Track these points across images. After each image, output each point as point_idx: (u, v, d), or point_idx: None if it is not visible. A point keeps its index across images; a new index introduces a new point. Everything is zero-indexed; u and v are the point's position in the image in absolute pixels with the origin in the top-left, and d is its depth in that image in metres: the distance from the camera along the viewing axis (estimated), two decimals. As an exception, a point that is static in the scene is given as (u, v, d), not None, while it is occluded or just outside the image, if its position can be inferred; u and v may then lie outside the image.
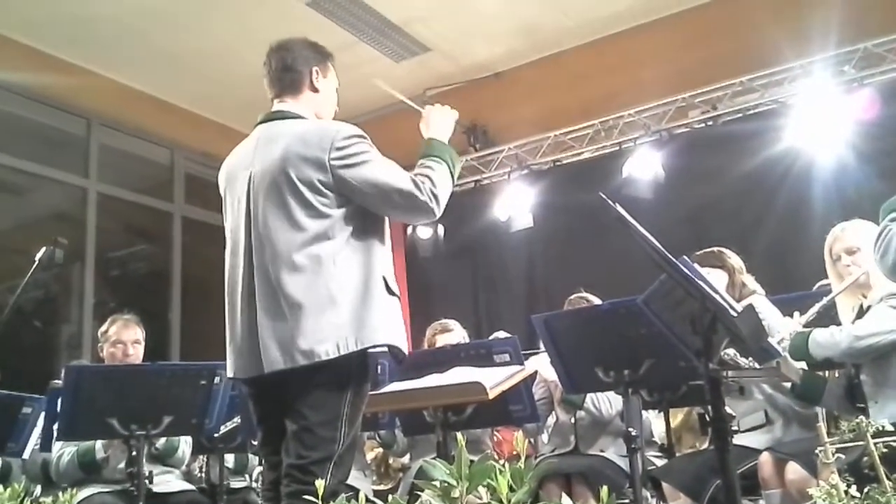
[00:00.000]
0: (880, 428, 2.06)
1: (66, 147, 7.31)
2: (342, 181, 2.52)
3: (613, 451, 3.97)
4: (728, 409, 2.39)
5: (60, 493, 2.40)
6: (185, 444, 3.99)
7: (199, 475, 4.37)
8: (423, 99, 7.70)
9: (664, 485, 3.42)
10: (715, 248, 3.74)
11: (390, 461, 4.99)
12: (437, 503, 1.51)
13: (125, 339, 4.02)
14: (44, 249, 3.68)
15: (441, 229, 7.85)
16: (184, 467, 4.11)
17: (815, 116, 6.13)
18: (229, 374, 2.65)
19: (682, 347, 2.40)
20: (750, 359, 2.78)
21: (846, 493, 1.93)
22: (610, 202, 2.21)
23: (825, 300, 3.22)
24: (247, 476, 4.60)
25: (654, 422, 4.20)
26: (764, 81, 6.52)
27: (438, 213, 2.61)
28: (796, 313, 3.26)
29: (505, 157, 7.70)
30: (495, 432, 4.64)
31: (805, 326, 3.18)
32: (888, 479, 1.96)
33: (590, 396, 4.03)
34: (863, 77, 6.07)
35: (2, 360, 4.37)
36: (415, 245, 7.95)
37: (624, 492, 3.67)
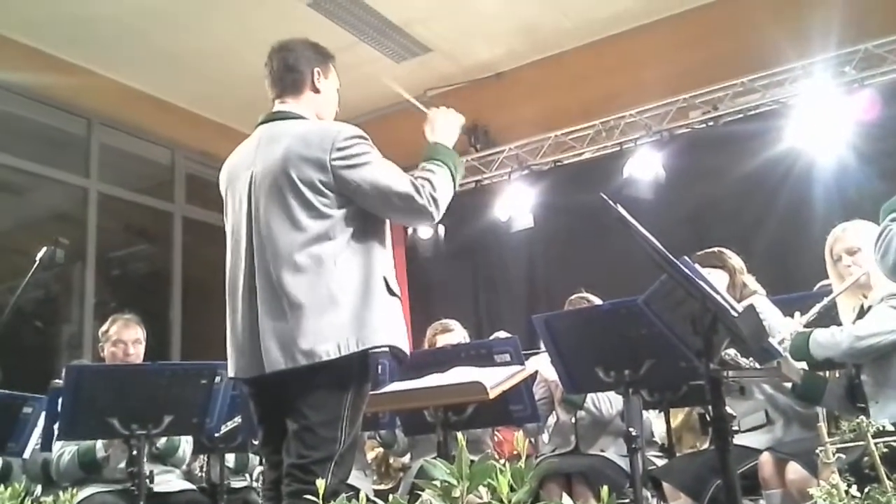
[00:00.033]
0: (881, 428, 2.06)
1: (66, 147, 7.31)
2: (343, 181, 2.52)
3: (614, 451, 3.97)
4: (728, 409, 2.38)
5: (61, 493, 2.40)
6: (185, 443, 3.99)
7: (199, 475, 4.38)
8: (424, 99, 7.73)
9: (665, 485, 3.42)
10: (716, 249, 3.74)
11: (391, 461, 4.99)
12: (437, 503, 1.51)
13: (126, 339, 4.02)
14: (44, 249, 3.69)
15: (442, 229, 7.84)
16: (184, 467, 4.11)
17: (815, 117, 6.13)
18: (230, 373, 2.66)
19: (682, 348, 2.40)
20: (751, 359, 2.79)
21: (847, 493, 1.93)
22: (611, 202, 2.21)
23: (826, 300, 3.22)
24: (247, 476, 4.60)
25: (655, 422, 4.20)
26: (765, 82, 6.51)
27: (437, 216, 2.61)
28: (797, 313, 3.26)
29: (506, 158, 7.70)
30: (496, 432, 4.63)
31: (806, 327, 3.18)
32: (889, 478, 1.96)
33: (590, 396, 4.04)
34: (863, 78, 6.06)
35: (3, 360, 4.38)
36: (415, 245, 7.95)
37: (624, 492, 3.68)
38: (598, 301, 4.15)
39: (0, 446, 3.72)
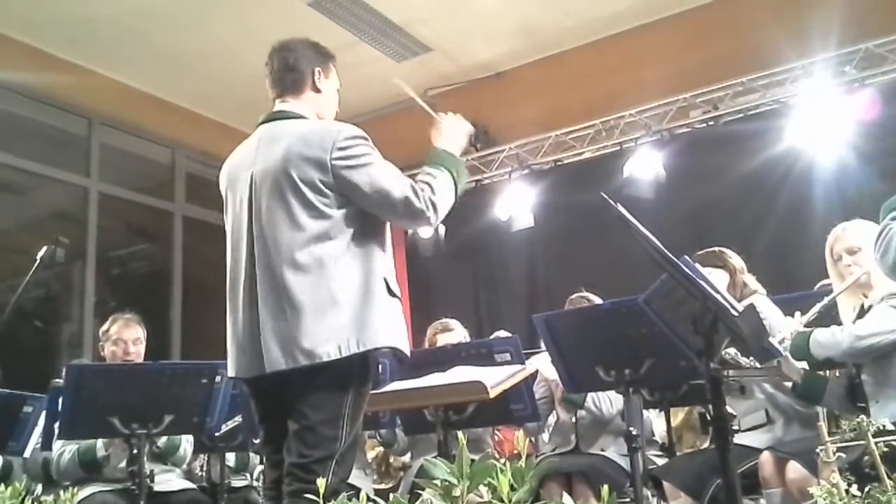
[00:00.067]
0: (881, 427, 2.06)
1: (67, 146, 7.31)
2: (342, 181, 2.52)
3: (614, 451, 3.97)
4: (729, 409, 2.39)
5: (62, 492, 2.40)
6: (186, 442, 3.99)
7: (200, 474, 4.38)
8: (425, 99, 7.73)
9: (665, 484, 3.42)
10: (716, 248, 3.74)
11: (391, 460, 4.99)
12: (438, 502, 1.51)
13: (126, 338, 4.03)
14: (45, 248, 3.70)
15: (442, 229, 7.84)
16: (185, 466, 4.11)
17: (816, 117, 6.13)
18: (230, 373, 2.66)
19: (683, 347, 2.40)
20: (751, 358, 2.79)
21: (847, 492, 1.93)
22: (611, 202, 2.21)
23: (826, 300, 3.22)
24: (248, 475, 4.60)
25: (655, 421, 4.20)
26: (765, 82, 6.51)
27: (435, 221, 2.60)
28: (797, 313, 3.26)
29: (506, 157, 7.70)
30: (496, 431, 4.64)
31: (806, 326, 3.18)
32: (889, 478, 1.97)
33: (591, 396, 4.04)
34: (864, 77, 6.06)
35: (3, 359, 4.38)
36: (416, 244, 7.95)
37: (625, 491, 3.68)
38: (598, 300, 4.15)
39: (0, 445, 3.72)
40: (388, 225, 2.68)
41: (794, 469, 3.06)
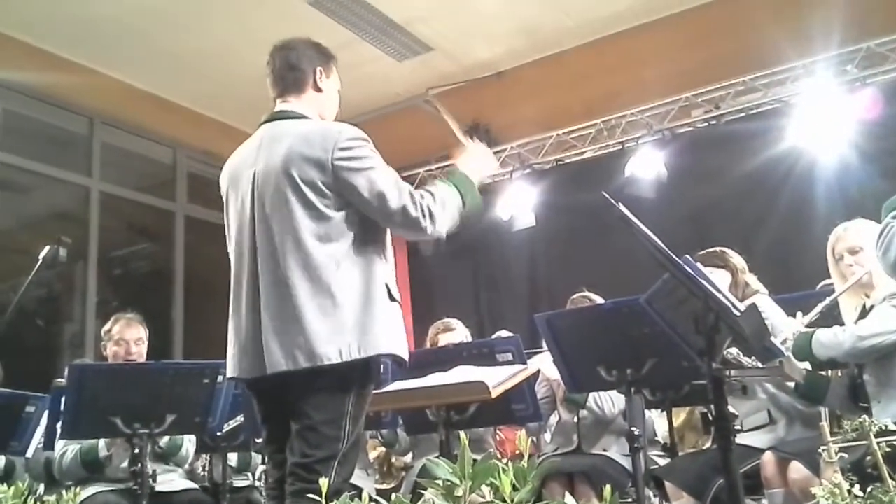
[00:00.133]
0: (883, 427, 2.07)
1: (68, 146, 7.31)
2: (342, 182, 2.51)
3: (616, 451, 3.97)
4: (731, 409, 2.39)
5: (64, 492, 2.40)
6: (188, 442, 3.99)
7: (202, 474, 4.38)
8: (426, 99, 7.74)
9: (667, 484, 3.42)
10: (717, 248, 3.74)
11: (393, 460, 4.99)
12: (440, 502, 1.51)
13: (128, 338, 4.03)
14: (47, 248, 3.70)
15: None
16: (187, 466, 4.12)
17: (817, 116, 6.13)
18: (229, 373, 2.64)
19: (684, 347, 2.40)
20: (753, 358, 2.79)
21: (849, 492, 1.93)
22: (613, 201, 2.21)
23: (828, 300, 3.22)
24: (250, 475, 4.61)
25: (657, 421, 4.20)
26: (766, 81, 6.51)
27: (432, 231, 2.56)
28: (799, 313, 3.26)
29: (507, 157, 7.69)
30: (498, 431, 4.64)
31: (808, 326, 3.18)
32: (891, 478, 1.97)
33: (592, 395, 4.04)
34: (865, 76, 6.06)
35: (5, 359, 4.39)
36: (417, 244, 7.95)
37: (627, 491, 3.68)
38: (600, 300, 4.15)
39: (3, 445, 3.73)
40: (388, 230, 2.68)
41: (797, 469, 3.06)
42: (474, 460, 1.53)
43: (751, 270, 3.68)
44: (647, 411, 3.86)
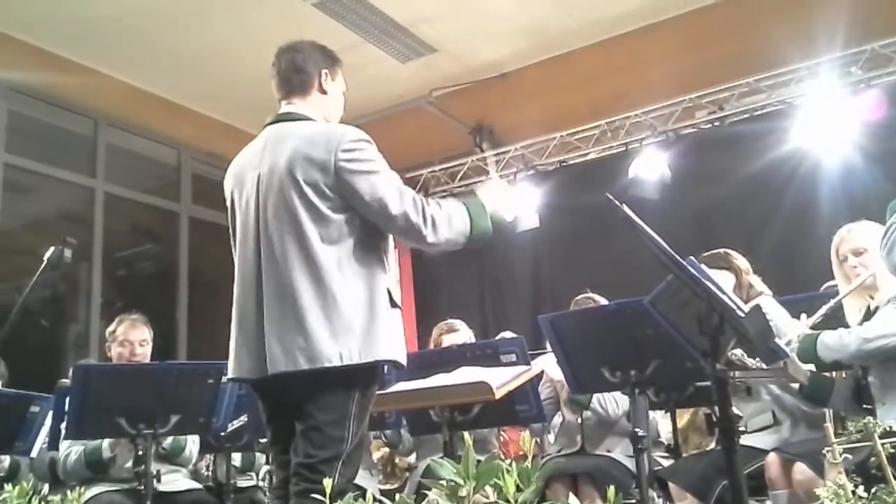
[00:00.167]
0: (888, 429, 2.06)
1: (73, 147, 7.33)
2: (344, 184, 2.51)
3: (620, 452, 3.97)
4: (735, 410, 2.38)
5: (68, 492, 2.41)
6: (192, 442, 4.00)
7: (206, 474, 4.39)
8: (430, 100, 7.74)
9: (671, 485, 3.42)
10: (721, 250, 3.73)
11: (397, 461, 4.99)
12: (444, 502, 1.51)
13: (132, 339, 4.04)
14: (52, 249, 3.71)
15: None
16: (191, 466, 4.12)
17: (821, 117, 6.12)
18: (230, 374, 2.64)
19: (688, 348, 2.40)
20: (757, 359, 2.78)
21: (853, 493, 1.93)
22: (617, 203, 2.21)
23: (832, 302, 3.21)
24: (254, 475, 4.61)
25: (661, 422, 4.20)
26: (770, 82, 6.51)
27: (433, 239, 2.55)
28: (803, 315, 3.25)
29: (511, 158, 7.70)
30: (502, 432, 4.64)
31: (812, 328, 3.17)
32: (895, 479, 1.96)
33: (596, 396, 4.03)
34: (870, 78, 6.06)
35: (10, 359, 4.40)
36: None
37: (630, 492, 3.67)
38: (603, 301, 4.15)
39: (7, 445, 3.74)
40: (391, 235, 2.67)
41: (801, 470, 3.05)
42: (478, 461, 1.53)
43: (755, 272, 3.67)
44: (650, 412, 3.86)
